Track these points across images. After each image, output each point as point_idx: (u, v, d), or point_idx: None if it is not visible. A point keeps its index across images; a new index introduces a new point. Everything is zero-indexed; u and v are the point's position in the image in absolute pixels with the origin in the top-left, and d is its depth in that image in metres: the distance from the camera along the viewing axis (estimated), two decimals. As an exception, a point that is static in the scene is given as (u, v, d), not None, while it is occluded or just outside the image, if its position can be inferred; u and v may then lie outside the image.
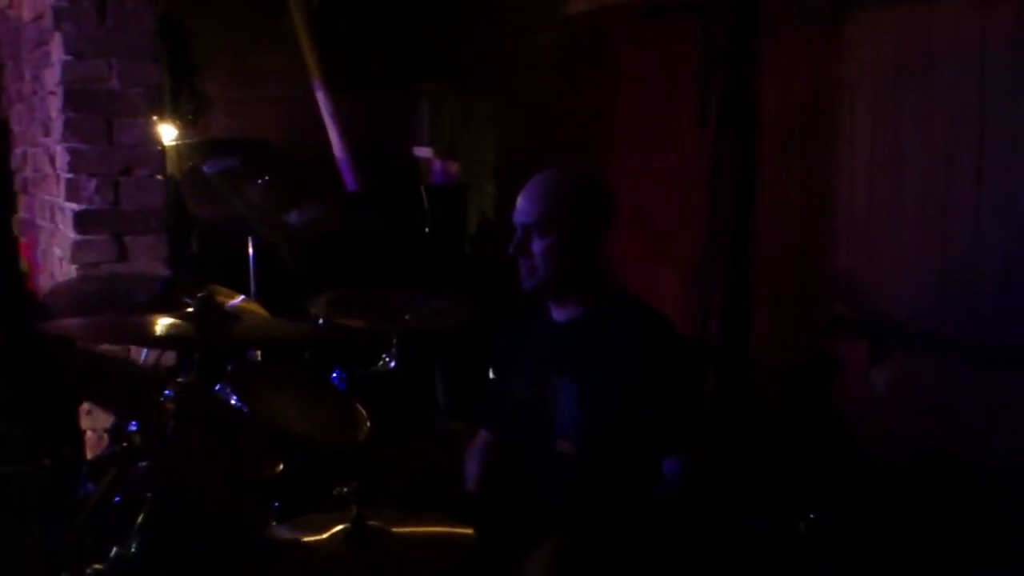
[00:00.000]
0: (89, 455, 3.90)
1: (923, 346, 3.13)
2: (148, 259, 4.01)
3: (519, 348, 2.67)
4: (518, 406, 2.58)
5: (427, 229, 4.94)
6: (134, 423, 2.54)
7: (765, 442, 3.44)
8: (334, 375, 3.32)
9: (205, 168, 3.84)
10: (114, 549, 2.33)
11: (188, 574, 2.42)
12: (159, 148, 4.11)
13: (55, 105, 4.02)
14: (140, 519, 2.34)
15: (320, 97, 5.33)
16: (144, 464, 2.48)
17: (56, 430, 3.87)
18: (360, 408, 2.90)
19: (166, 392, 2.50)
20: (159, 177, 4.08)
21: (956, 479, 2.94)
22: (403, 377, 3.39)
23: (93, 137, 3.94)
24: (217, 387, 2.84)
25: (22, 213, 5.24)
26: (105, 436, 3.62)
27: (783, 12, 3.52)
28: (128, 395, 2.67)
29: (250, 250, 3.77)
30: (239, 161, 3.96)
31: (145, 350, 3.64)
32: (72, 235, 3.94)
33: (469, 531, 2.09)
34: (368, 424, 2.85)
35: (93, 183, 3.94)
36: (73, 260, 3.94)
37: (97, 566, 2.31)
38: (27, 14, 4.51)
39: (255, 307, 3.22)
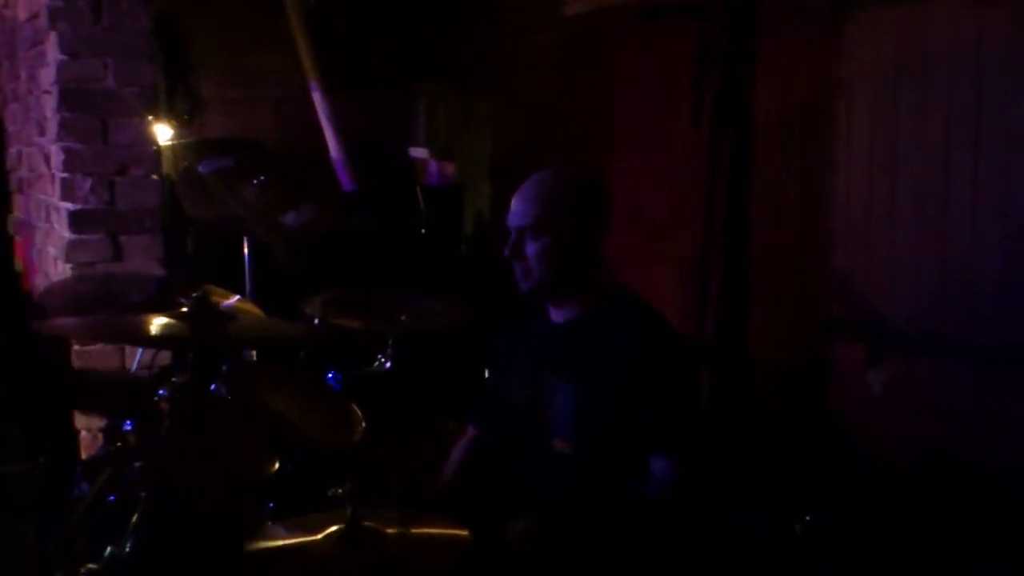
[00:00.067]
0: (83, 455, 3.89)
1: (920, 347, 3.13)
2: (143, 259, 4.00)
3: (516, 348, 2.66)
4: (515, 406, 2.57)
5: (423, 230, 4.94)
6: (128, 422, 2.53)
7: (762, 442, 3.43)
8: (330, 375, 3.32)
9: (201, 168, 3.82)
10: (108, 549, 2.32)
11: (182, 574, 2.41)
12: (154, 148, 4.10)
13: (50, 104, 4.01)
14: (134, 519, 2.34)
15: (316, 97, 5.32)
16: (139, 464, 2.48)
17: (51, 429, 3.86)
18: (355, 408, 2.90)
19: (160, 392, 2.50)
20: (154, 177, 4.07)
21: (955, 480, 2.93)
22: (399, 378, 3.38)
23: (88, 137, 3.93)
24: (212, 387, 2.83)
25: (18, 213, 5.23)
26: (99, 436, 3.61)
27: (780, 13, 3.52)
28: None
29: (246, 250, 3.76)
30: (235, 161, 3.95)
31: (140, 350, 3.63)
32: (67, 234, 3.93)
33: (464, 532, 2.08)
34: (363, 425, 2.84)
35: (88, 183, 3.93)
36: (68, 260, 3.93)
37: (91, 565, 2.30)
38: (22, 13, 4.50)
39: (250, 307, 3.21)
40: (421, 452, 3.10)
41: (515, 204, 2.48)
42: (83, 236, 3.93)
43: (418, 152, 5.73)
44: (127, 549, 2.30)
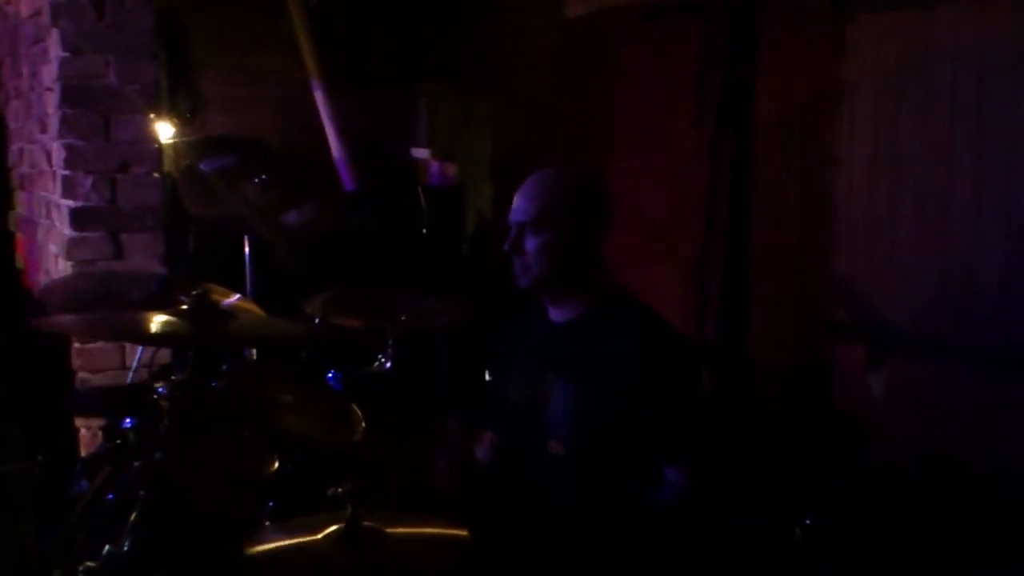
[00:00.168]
0: (83, 452, 3.88)
1: (922, 348, 3.13)
2: (144, 257, 4.00)
3: (515, 348, 2.66)
4: (513, 406, 2.57)
5: (424, 230, 4.93)
6: (128, 420, 2.53)
7: (763, 443, 3.43)
8: (330, 375, 3.31)
9: (202, 166, 3.82)
10: (107, 547, 2.31)
11: (181, 573, 2.40)
12: (156, 145, 4.09)
13: (52, 101, 4.01)
14: (133, 517, 2.33)
15: (318, 97, 5.32)
16: (138, 462, 2.47)
17: (51, 428, 3.86)
18: (356, 408, 2.89)
19: (160, 390, 2.49)
20: (156, 175, 4.06)
21: (955, 481, 2.93)
22: (399, 377, 3.38)
23: (90, 134, 3.92)
24: (212, 385, 2.82)
25: (20, 210, 5.22)
26: (99, 434, 3.61)
27: (782, 14, 3.52)
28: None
29: (247, 249, 3.76)
30: (236, 160, 3.95)
31: (140, 348, 3.63)
32: (68, 232, 3.93)
33: (464, 532, 2.08)
34: (364, 424, 2.84)
35: (89, 180, 3.93)
36: (69, 257, 3.93)
37: (90, 564, 2.30)
38: (25, 10, 4.50)
39: (251, 306, 3.21)
40: (421, 452, 3.09)
41: (517, 200, 2.49)
42: (84, 233, 3.93)
43: (420, 152, 5.73)
44: (126, 547, 2.30)
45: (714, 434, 2.45)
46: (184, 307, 2.55)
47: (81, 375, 3.93)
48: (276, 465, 2.57)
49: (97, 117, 3.93)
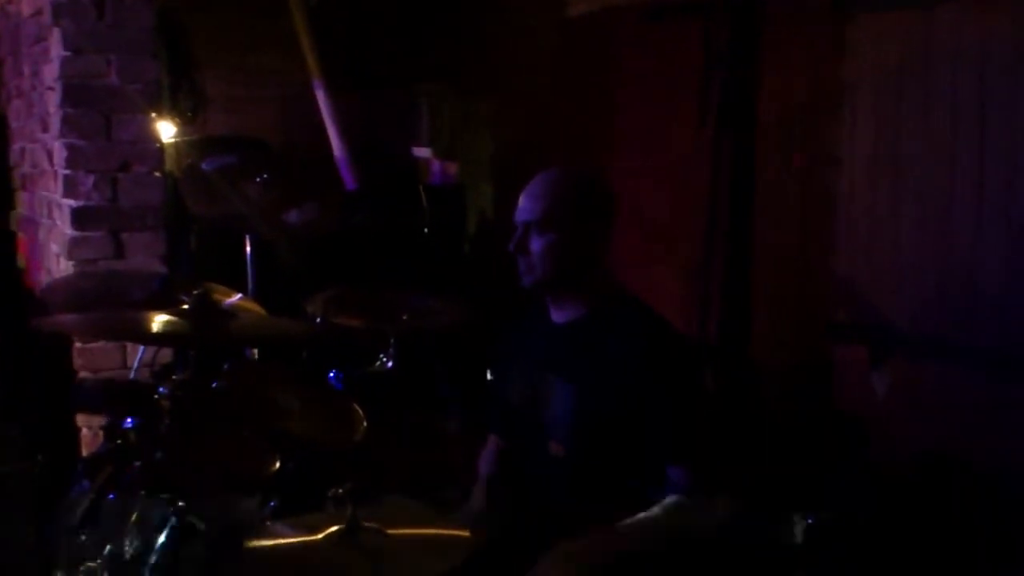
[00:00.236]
0: (84, 452, 3.88)
1: (923, 349, 3.13)
2: (145, 256, 4.00)
3: (516, 348, 2.66)
4: (513, 406, 2.57)
5: (426, 229, 4.93)
6: (129, 420, 2.53)
7: (764, 443, 3.43)
8: (331, 374, 3.31)
9: (204, 165, 3.83)
10: (108, 547, 2.31)
11: (182, 572, 2.40)
12: (157, 145, 4.09)
13: (53, 101, 4.01)
14: (134, 517, 2.33)
15: (320, 96, 5.31)
16: (139, 462, 2.47)
17: (51, 427, 3.86)
18: (357, 408, 2.89)
19: (161, 390, 2.49)
20: (157, 174, 4.06)
21: (957, 481, 2.93)
22: (401, 377, 3.38)
23: (91, 133, 3.92)
24: (213, 385, 2.82)
25: (22, 210, 5.22)
26: (100, 433, 3.61)
27: (784, 14, 3.52)
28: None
29: (248, 248, 3.76)
30: (238, 159, 3.95)
31: (141, 347, 3.63)
32: (69, 231, 3.93)
33: (464, 533, 2.08)
34: (365, 424, 2.84)
35: (91, 179, 3.93)
36: (70, 256, 3.93)
37: (90, 564, 2.30)
38: (26, 9, 4.50)
39: (252, 305, 3.21)
40: (423, 452, 3.10)
41: (522, 200, 2.49)
42: (85, 233, 3.93)
43: (421, 152, 5.73)
44: (127, 548, 2.30)
45: (715, 434, 2.45)
46: (185, 307, 2.55)
47: (82, 375, 3.94)
48: (277, 465, 2.57)
49: (98, 116, 3.93)
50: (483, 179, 5.29)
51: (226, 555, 2.27)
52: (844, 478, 3.19)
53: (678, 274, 3.91)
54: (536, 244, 2.44)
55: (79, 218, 3.92)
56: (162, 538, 2.28)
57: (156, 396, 2.55)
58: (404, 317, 3.36)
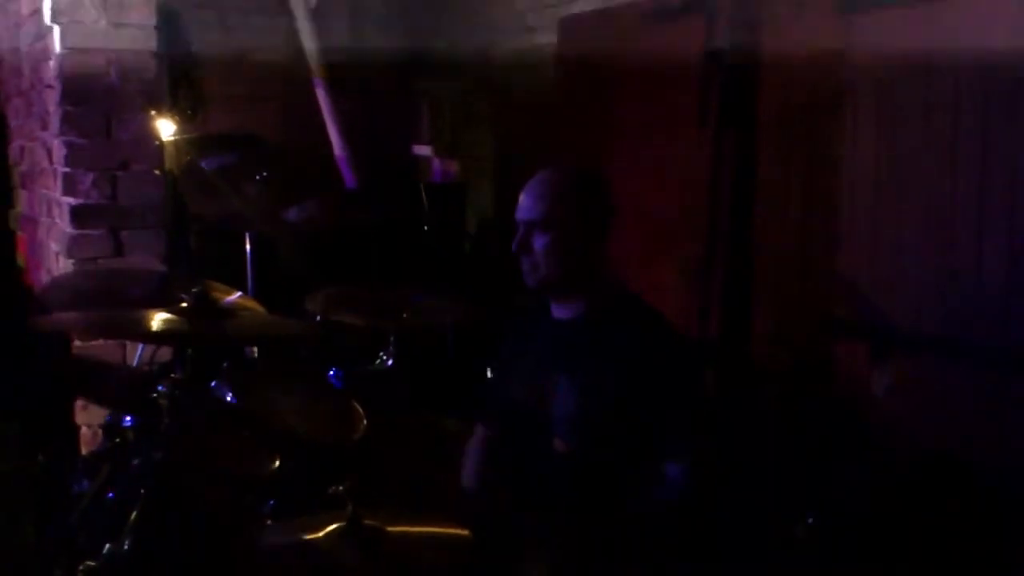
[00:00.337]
0: (83, 451, 3.88)
1: (924, 348, 3.12)
2: (145, 254, 3.99)
3: (519, 346, 2.66)
4: (516, 404, 2.57)
5: (426, 227, 4.93)
6: (128, 419, 2.53)
7: (764, 442, 3.43)
8: (331, 372, 3.31)
9: (203, 164, 3.82)
10: (107, 546, 2.31)
11: (181, 572, 2.40)
12: (157, 143, 4.09)
13: (53, 99, 4.00)
14: (134, 516, 2.33)
15: (320, 94, 5.31)
16: (138, 461, 2.47)
17: (51, 426, 3.86)
18: (357, 406, 2.89)
19: (160, 388, 2.49)
20: (157, 172, 4.06)
21: (957, 481, 2.93)
22: (401, 375, 3.38)
23: (91, 131, 3.92)
24: (213, 384, 2.82)
25: (22, 208, 5.22)
26: (100, 432, 3.61)
27: (785, 13, 3.51)
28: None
29: (248, 246, 3.76)
30: (238, 157, 3.95)
31: (141, 346, 3.63)
32: (69, 229, 3.92)
33: (464, 531, 2.08)
34: (365, 422, 2.84)
35: (90, 177, 3.92)
36: (69, 255, 3.92)
37: (90, 563, 2.30)
38: (26, 8, 4.49)
39: (252, 303, 3.21)
40: (423, 450, 3.10)
41: (524, 199, 2.49)
42: (85, 231, 3.92)
43: (422, 150, 5.73)
44: (126, 546, 2.30)
45: (716, 433, 2.45)
46: (185, 305, 2.55)
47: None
48: (276, 464, 2.57)
49: (98, 115, 3.92)
50: (484, 177, 5.29)
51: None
52: (844, 478, 3.19)
53: (679, 273, 3.90)
54: (539, 243, 2.45)
55: (79, 216, 3.91)
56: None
57: (155, 395, 2.55)
58: (404, 315, 3.37)
